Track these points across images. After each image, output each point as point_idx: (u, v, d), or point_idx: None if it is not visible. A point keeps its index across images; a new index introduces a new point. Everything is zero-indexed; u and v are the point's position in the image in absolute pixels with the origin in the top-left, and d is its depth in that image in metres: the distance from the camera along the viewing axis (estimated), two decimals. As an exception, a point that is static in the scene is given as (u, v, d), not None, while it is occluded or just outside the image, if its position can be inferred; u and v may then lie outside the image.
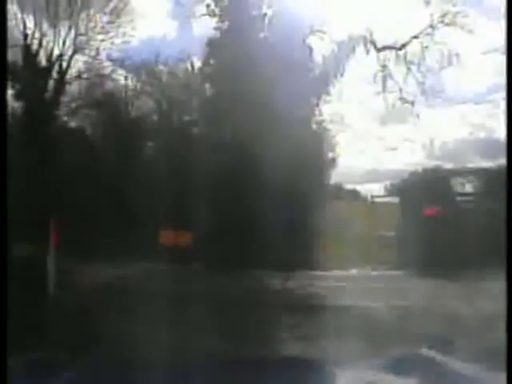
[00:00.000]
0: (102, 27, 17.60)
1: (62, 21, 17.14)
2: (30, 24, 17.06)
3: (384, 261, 14.32)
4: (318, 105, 15.66)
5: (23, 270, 8.21)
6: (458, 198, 16.97)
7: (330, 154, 17.38)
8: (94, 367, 2.43)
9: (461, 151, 27.02)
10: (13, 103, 16.48)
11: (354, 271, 14.18)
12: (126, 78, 18.82)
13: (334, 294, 10.39)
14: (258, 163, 12.88)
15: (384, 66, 16.02)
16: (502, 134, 22.88)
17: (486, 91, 32.65)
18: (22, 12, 16.80)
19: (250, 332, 6.79)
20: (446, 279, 11.20)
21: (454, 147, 28.21)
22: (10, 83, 15.56)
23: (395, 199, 18.13)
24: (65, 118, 18.46)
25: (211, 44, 15.48)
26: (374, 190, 32.84)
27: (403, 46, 15.88)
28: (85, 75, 18.21)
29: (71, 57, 17.45)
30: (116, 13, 17.68)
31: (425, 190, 15.97)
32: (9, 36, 13.78)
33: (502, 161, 15.20)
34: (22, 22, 16.87)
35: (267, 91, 13.61)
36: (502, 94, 24.35)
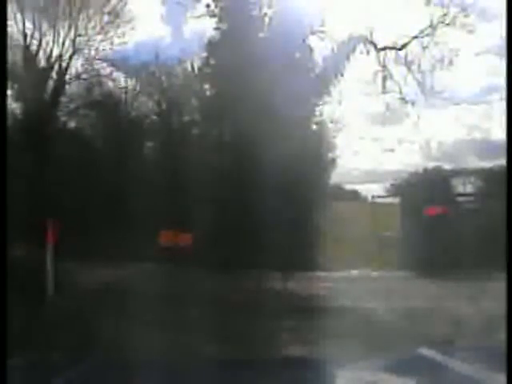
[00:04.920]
0: (102, 27, 17.58)
1: (62, 21, 17.12)
2: (30, 24, 17.06)
3: (384, 261, 14.31)
4: (318, 105, 15.63)
5: (21, 270, 8.18)
6: (459, 198, 16.99)
7: (330, 154, 17.36)
8: (92, 367, 2.41)
9: (459, 152, 27.05)
10: (12, 103, 16.47)
11: (354, 272, 14.18)
12: (125, 78, 18.83)
13: (334, 295, 10.37)
14: (258, 163, 12.86)
15: (384, 66, 16.02)
16: (498, 134, 22.97)
17: (480, 92, 32.67)
18: (22, 12, 16.78)
19: (250, 333, 6.77)
20: (448, 279, 11.19)
21: (452, 148, 28.24)
22: (9, 83, 15.53)
23: (396, 199, 18.15)
24: (64, 119, 18.44)
25: (211, 44, 15.45)
26: (374, 190, 32.81)
27: (403, 46, 15.87)
28: (84, 75, 18.19)
29: (70, 57, 17.43)
30: (115, 13, 17.66)
31: (425, 190, 15.98)
32: (8, 36, 13.77)
33: (499, 161, 15.28)
34: (21, 22, 16.87)
35: (267, 91, 13.58)
36: (497, 95, 24.43)
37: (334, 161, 17.73)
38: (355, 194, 24.21)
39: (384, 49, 16.01)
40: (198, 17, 15.86)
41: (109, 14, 17.66)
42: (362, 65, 16.77)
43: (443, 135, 33.65)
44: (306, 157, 14.45)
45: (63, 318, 7.28)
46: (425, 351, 2.58)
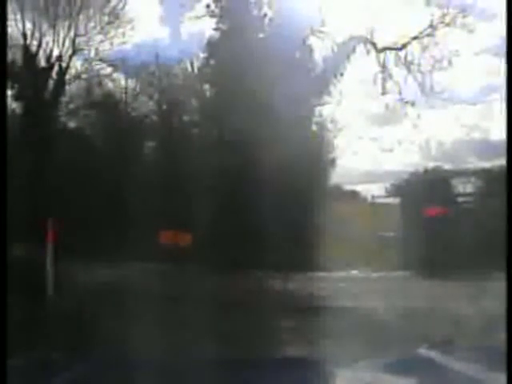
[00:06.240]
0: (102, 28, 17.58)
1: (62, 21, 17.12)
2: (30, 24, 17.06)
3: (384, 261, 14.30)
4: (317, 105, 15.65)
5: (22, 270, 8.18)
6: (459, 198, 17.00)
7: (330, 155, 17.36)
8: (92, 367, 2.41)
9: (458, 152, 27.01)
10: (12, 103, 16.47)
11: (354, 272, 14.18)
12: (125, 78, 18.84)
13: (334, 295, 10.37)
14: (258, 163, 12.88)
15: (384, 67, 16.03)
16: (497, 134, 22.97)
17: (480, 92, 32.61)
18: (22, 12, 16.78)
19: (250, 334, 6.77)
20: (448, 279, 11.19)
21: (451, 148, 28.20)
22: (9, 83, 15.53)
23: (396, 200, 18.14)
24: (64, 119, 18.44)
25: (211, 44, 15.47)
26: (373, 190, 32.81)
27: (403, 46, 15.88)
28: (84, 75, 18.19)
29: (70, 57, 17.44)
30: (115, 13, 17.66)
31: (425, 191, 15.98)
32: (8, 36, 13.77)
33: (498, 161, 15.28)
34: (21, 22, 16.87)
35: (267, 91, 13.60)
36: (496, 95, 24.43)
37: (333, 161, 17.75)
38: (355, 194, 24.16)
39: (384, 49, 16.02)
40: (198, 17, 15.90)
41: (109, 14, 17.68)
42: (362, 65, 16.81)
43: (443, 135, 33.59)
44: (306, 157, 14.47)
45: (63, 317, 7.28)
46: (425, 351, 2.57)
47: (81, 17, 17.22)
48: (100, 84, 18.54)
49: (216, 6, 15.37)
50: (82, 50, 17.68)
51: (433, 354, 2.51)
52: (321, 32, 15.52)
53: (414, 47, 15.80)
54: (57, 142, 16.76)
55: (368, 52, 15.90)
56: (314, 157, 15.69)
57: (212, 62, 15.68)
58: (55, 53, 17.23)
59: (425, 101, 16.07)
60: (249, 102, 13.84)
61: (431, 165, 21.73)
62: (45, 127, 16.63)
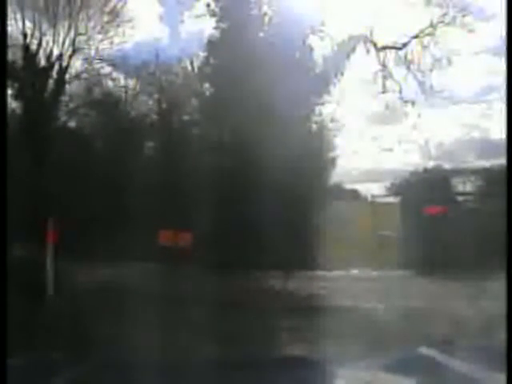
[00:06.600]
0: (102, 27, 17.58)
1: (62, 20, 17.12)
2: (30, 24, 17.06)
3: (384, 261, 14.31)
4: (317, 104, 15.64)
5: (22, 270, 8.18)
6: (459, 198, 17.03)
7: (330, 154, 17.36)
8: (91, 367, 2.41)
9: (458, 151, 27.04)
10: (12, 103, 16.47)
11: (354, 271, 14.19)
12: (125, 77, 18.84)
13: (334, 295, 10.37)
14: (258, 163, 12.87)
15: (384, 66, 16.02)
16: (497, 133, 22.98)
17: (480, 91, 32.60)
18: (22, 11, 16.78)
19: (249, 333, 6.77)
20: (447, 279, 11.20)
21: (451, 147, 28.24)
22: (9, 83, 15.53)
23: (395, 199, 18.16)
24: (64, 118, 18.44)
25: (211, 43, 15.46)
26: (374, 189, 32.85)
27: (403, 45, 15.87)
28: (84, 75, 18.19)
29: (71, 56, 17.43)
30: (115, 12, 17.67)
31: (425, 190, 16.01)
32: (8, 36, 13.76)
33: (498, 161, 15.30)
34: (21, 21, 16.86)
35: (267, 90, 13.58)
36: (496, 95, 24.44)
37: (333, 160, 17.75)
38: (355, 194, 24.18)
39: (384, 48, 16.01)
40: (199, 16, 15.87)
41: (109, 13, 17.68)
42: (362, 64, 16.79)
43: (443, 134, 33.65)
44: (306, 156, 14.46)
45: (63, 317, 7.28)
46: (425, 351, 2.58)
47: (81, 16, 17.23)
48: (100, 83, 18.55)
49: (216, 5, 15.34)
50: (82, 49, 17.68)
51: (433, 354, 2.51)
52: (321, 31, 15.49)
53: (414, 46, 15.79)
54: (57, 142, 16.76)
55: (368, 51, 15.89)
56: (314, 156, 15.68)
57: (212, 61, 15.65)
58: (55, 52, 17.24)
59: (425, 100, 16.06)
60: (249, 101, 13.82)
61: (431, 164, 21.78)
62: (45, 127, 16.62)
